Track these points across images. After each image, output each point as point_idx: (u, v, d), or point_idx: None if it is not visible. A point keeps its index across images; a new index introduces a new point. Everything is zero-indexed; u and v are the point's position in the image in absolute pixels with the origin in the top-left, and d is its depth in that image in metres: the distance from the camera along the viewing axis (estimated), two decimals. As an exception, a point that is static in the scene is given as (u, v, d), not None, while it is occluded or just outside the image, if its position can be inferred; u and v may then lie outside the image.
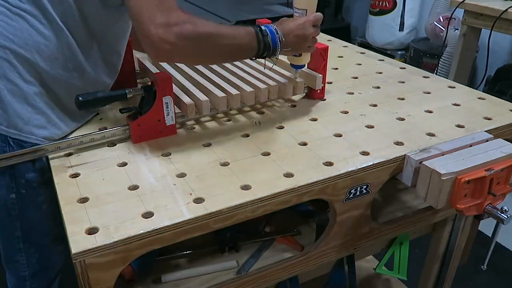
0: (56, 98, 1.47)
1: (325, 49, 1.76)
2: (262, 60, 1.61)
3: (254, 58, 1.51)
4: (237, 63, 1.87)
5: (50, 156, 1.41)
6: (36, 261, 1.62)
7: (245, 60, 1.88)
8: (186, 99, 1.57)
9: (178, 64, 1.89)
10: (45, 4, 1.36)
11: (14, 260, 1.61)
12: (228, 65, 1.84)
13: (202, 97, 1.57)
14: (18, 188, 1.48)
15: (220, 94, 1.58)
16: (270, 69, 1.72)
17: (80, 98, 1.38)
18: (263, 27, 1.46)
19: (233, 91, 1.61)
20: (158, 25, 1.24)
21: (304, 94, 1.81)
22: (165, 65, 1.88)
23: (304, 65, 1.70)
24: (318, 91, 1.79)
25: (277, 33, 1.47)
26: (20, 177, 1.46)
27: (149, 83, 1.56)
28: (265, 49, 1.46)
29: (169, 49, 1.28)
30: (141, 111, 1.48)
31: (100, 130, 1.51)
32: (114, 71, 1.63)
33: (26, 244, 1.58)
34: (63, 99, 1.49)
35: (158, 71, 1.73)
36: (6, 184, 1.47)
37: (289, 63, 1.74)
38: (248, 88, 1.63)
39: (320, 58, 1.75)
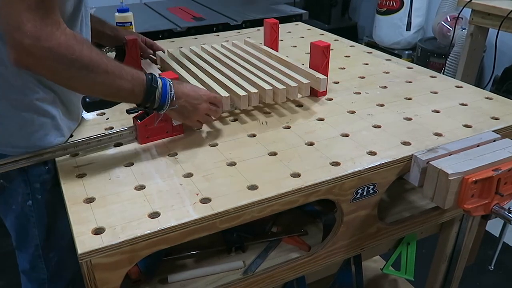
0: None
1: (327, 46, 1.78)
2: (270, 61, 1.61)
3: (137, 105, 1.41)
4: (244, 63, 1.87)
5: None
6: (55, 263, 1.62)
7: (250, 61, 1.88)
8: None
9: (185, 63, 1.89)
10: None
11: (33, 266, 1.60)
12: (233, 65, 1.85)
13: (223, 93, 1.61)
14: (33, 193, 1.47)
15: (225, 94, 1.60)
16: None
17: (87, 99, 1.38)
18: (159, 80, 1.38)
19: (241, 92, 1.62)
20: (25, 34, 1.11)
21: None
22: (172, 63, 1.89)
23: None
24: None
25: (171, 91, 1.39)
26: (35, 182, 1.45)
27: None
28: (149, 100, 1.36)
29: (31, 64, 1.17)
30: (147, 112, 1.48)
31: (106, 130, 1.51)
32: None
33: (45, 250, 1.57)
34: None
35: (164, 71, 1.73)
36: (22, 191, 1.47)
37: (295, 64, 1.74)
38: (254, 90, 1.63)
39: (322, 56, 1.75)
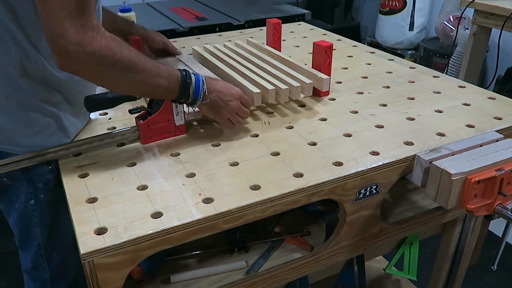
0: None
1: (330, 46, 1.78)
2: (272, 61, 1.61)
3: (172, 101, 1.47)
4: (246, 63, 1.87)
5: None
6: (57, 263, 1.63)
7: (253, 61, 1.88)
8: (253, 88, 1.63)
9: (188, 64, 1.89)
10: None
11: (35, 265, 1.62)
12: (236, 65, 1.85)
13: (254, 89, 1.63)
14: (36, 193, 1.48)
15: (256, 90, 1.62)
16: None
17: (89, 99, 1.38)
18: (192, 75, 1.43)
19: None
20: (69, 41, 1.15)
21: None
22: (180, 64, 1.89)
23: None
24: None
25: (203, 86, 1.44)
26: (38, 181, 1.46)
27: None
28: (184, 96, 1.42)
29: (77, 68, 1.22)
30: (150, 112, 1.48)
31: (109, 130, 1.51)
32: None
33: (48, 249, 1.58)
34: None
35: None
36: (25, 190, 1.47)
37: (298, 64, 1.74)
38: (256, 89, 1.63)
39: (324, 56, 1.75)
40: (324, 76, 1.74)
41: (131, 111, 1.47)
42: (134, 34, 1.92)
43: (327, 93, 1.81)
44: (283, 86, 1.66)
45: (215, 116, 1.53)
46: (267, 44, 2.17)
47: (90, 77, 1.29)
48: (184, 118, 1.52)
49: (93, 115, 1.67)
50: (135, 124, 1.50)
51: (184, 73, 1.41)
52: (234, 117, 1.53)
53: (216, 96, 1.47)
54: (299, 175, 1.31)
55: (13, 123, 1.39)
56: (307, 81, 1.71)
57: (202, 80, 1.44)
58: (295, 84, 1.68)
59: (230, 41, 2.37)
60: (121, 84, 1.32)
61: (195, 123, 1.61)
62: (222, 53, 2.02)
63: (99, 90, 1.54)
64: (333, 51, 1.83)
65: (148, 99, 1.49)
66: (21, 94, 1.37)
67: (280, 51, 2.09)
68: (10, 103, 1.37)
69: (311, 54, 1.86)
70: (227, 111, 1.50)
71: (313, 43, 1.82)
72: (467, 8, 3.56)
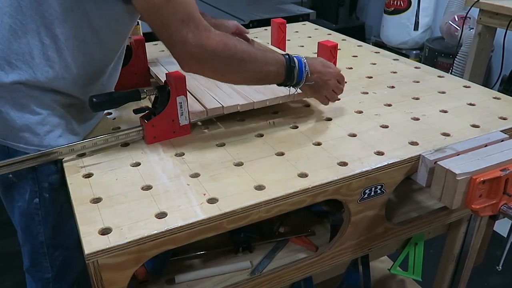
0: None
1: (335, 46, 1.78)
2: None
3: (278, 84, 1.54)
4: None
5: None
6: (60, 263, 1.63)
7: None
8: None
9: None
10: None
11: (38, 263, 1.62)
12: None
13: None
14: (41, 192, 1.47)
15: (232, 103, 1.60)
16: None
17: (94, 99, 1.38)
18: (295, 58, 1.50)
19: (245, 100, 1.62)
20: (191, 45, 1.30)
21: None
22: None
23: None
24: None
25: (305, 68, 1.52)
26: (43, 181, 1.46)
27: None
28: (290, 79, 1.50)
29: (200, 68, 1.37)
30: (154, 112, 1.48)
31: (114, 130, 1.51)
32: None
33: (51, 248, 1.58)
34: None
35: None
36: (30, 188, 1.47)
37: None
38: (261, 97, 1.63)
39: (329, 56, 1.74)
40: None
41: (135, 111, 1.47)
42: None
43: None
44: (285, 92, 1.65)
45: (315, 95, 1.65)
46: (271, 44, 2.17)
47: (212, 73, 1.43)
48: (189, 118, 1.52)
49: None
50: (139, 124, 1.50)
51: (287, 57, 1.50)
52: (330, 94, 1.63)
53: (317, 77, 1.56)
54: (303, 175, 1.31)
55: (26, 120, 1.39)
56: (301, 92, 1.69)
57: (304, 63, 1.52)
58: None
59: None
60: (239, 75, 1.45)
61: (199, 123, 1.61)
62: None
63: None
64: (338, 51, 1.83)
65: (153, 99, 1.49)
66: (37, 93, 1.38)
67: (285, 51, 2.09)
68: (26, 100, 1.38)
69: (316, 54, 1.86)
70: (326, 89, 1.61)
71: (318, 43, 1.82)
72: (472, 7, 3.56)
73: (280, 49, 2.08)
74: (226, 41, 1.35)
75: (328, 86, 1.60)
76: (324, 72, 1.57)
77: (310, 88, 1.59)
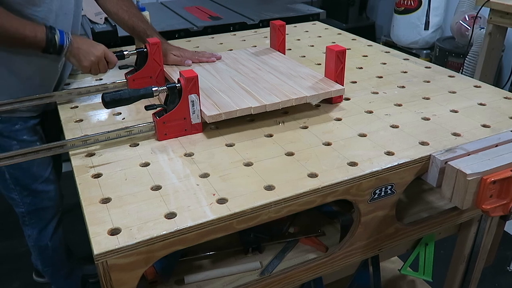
0: None
1: (343, 51, 1.72)
2: (284, 70, 1.59)
3: (42, 51, 1.71)
4: (258, 69, 1.86)
5: (71, 154, 1.43)
6: (30, 202, 2.10)
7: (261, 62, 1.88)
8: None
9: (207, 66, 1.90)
10: None
11: (11, 197, 2.08)
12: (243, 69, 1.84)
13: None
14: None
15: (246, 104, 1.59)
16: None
17: (107, 96, 1.39)
18: (57, 30, 1.71)
19: (259, 103, 1.61)
20: None
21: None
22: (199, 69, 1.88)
23: None
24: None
25: (67, 38, 1.72)
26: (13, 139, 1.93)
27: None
28: (51, 45, 1.69)
29: None
30: (166, 109, 1.48)
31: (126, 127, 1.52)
32: None
33: (18, 187, 2.04)
34: None
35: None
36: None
37: (309, 72, 1.73)
38: (275, 99, 1.62)
39: (337, 61, 1.71)
40: (338, 87, 1.71)
41: (147, 108, 1.48)
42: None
43: (340, 99, 1.78)
44: (302, 95, 1.64)
45: (79, 66, 1.80)
46: (270, 46, 2.15)
47: None
48: (201, 117, 1.52)
49: (106, 115, 1.68)
50: (151, 121, 1.50)
51: (48, 26, 1.70)
52: (94, 69, 1.80)
53: (77, 49, 1.75)
54: (313, 175, 1.30)
55: None
56: (314, 94, 1.69)
57: (67, 33, 1.73)
58: (311, 92, 1.66)
59: (245, 40, 2.37)
60: None
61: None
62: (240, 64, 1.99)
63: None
64: (348, 50, 1.82)
65: (164, 97, 1.49)
66: None
67: (284, 54, 2.08)
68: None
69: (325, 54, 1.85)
70: (86, 63, 1.77)
71: (326, 47, 1.78)
72: (483, 7, 3.55)
73: (280, 52, 2.08)
74: None
75: (89, 61, 1.76)
76: (85, 49, 1.76)
77: (74, 58, 1.76)
